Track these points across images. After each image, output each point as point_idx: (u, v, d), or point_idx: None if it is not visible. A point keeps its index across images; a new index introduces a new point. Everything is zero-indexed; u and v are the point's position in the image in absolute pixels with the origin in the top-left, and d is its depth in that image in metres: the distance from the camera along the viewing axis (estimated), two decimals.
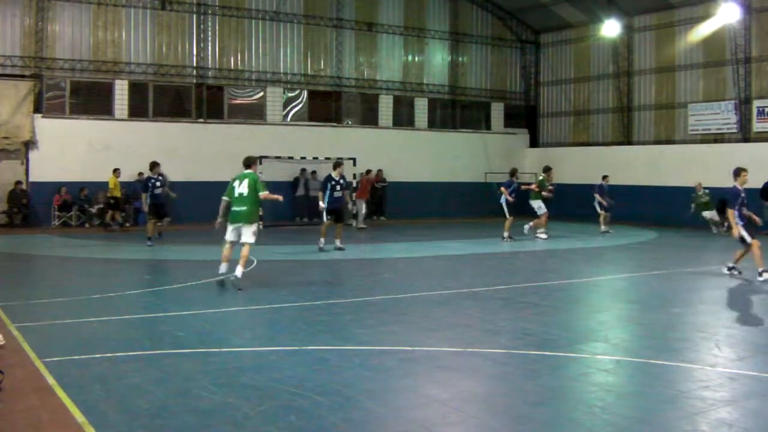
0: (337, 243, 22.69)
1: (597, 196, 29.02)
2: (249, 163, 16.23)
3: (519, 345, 10.68)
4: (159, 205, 23.77)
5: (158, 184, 23.58)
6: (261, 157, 31.29)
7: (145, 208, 24.02)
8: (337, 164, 22.98)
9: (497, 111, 41.84)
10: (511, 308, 13.81)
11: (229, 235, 15.72)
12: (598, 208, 29.01)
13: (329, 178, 22.58)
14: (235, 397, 8.04)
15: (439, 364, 9.68)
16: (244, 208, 15.59)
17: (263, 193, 15.71)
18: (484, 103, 41.42)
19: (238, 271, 15.46)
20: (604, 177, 28.99)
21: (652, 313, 13.61)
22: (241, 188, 15.68)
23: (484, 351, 10.29)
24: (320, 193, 22.69)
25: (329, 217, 22.52)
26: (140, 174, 30.62)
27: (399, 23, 38.42)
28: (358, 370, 9.26)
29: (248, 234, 15.54)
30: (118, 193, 29.90)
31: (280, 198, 16.76)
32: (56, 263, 20.65)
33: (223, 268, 15.64)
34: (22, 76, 30.71)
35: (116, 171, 29.93)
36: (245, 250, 15.48)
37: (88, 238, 23.55)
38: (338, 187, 22.54)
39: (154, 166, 24.01)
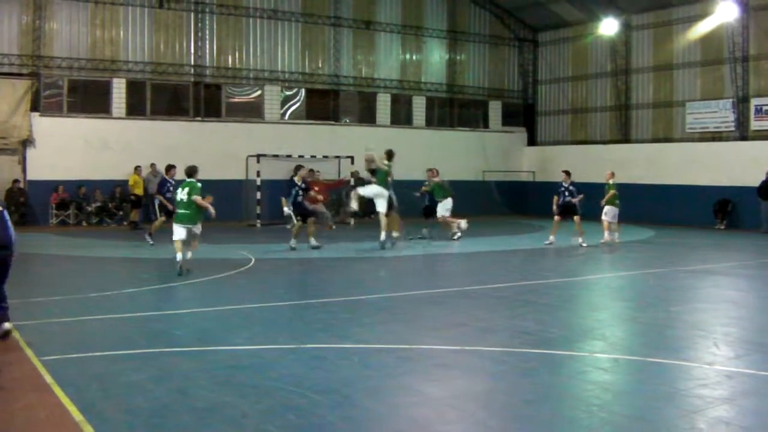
0: (312, 242, 22.76)
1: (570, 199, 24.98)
2: (190, 172, 18.09)
3: (516, 343, 10.70)
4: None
5: (172, 189, 23.07)
6: (259, 156, 31.38)
7: (169, 206, 22.33)
8: (298, 168, 23.53)
9: (495, 109, 41.83)
10: (509, 306, 13.82)
11: (177, 234, 17.63)
12: (557, 211, 25.02)
13: (293, 183, 22.87)
14: (233, 395, 8.05)
15: (437, 363, 9.69)
16: (185, 211, 17.65)
17: (195, 197, 17.55)
18: (481, 101, 41.40)
19: (188, 254, 17.76)
20: (568, 173, 25.71)
21: (650, 312, 13.63)
22: (182, 195, 17.76)
23: (482, 349, 10.31)
24: (283, 199, 23.00)
25: (298, 218, 22.72)
26: (152, 165, 30.70)
27: (397, 21, 38.40)
28: (355, 368, 9.28)
29: (197, 229, 17.97)
30: (139, 191, 29.92)
31: (209, 207, 17.81)
32: (54, 262, 20.64)
33: (178, 256, 17.41)
34: (20, 75, 30.68)
35: (138, 168, 29.95)
36: (195, 243, 18.18)
37: (85, 236, 23.65)
38: (301, 192, 22.78)
39: (170, 168, 23.63)
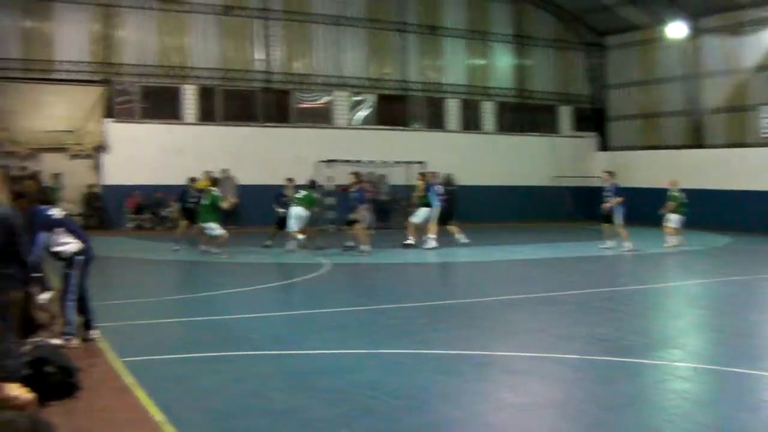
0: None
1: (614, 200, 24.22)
2: (213, 182, 23.17)
3: (593, 351, 10.52)
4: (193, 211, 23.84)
5: (193, 200, 23.60)
6: (329, 161, 31.50)
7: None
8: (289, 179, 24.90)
9: (565, 114, 41.41)
10: (585, 313, 13.66)
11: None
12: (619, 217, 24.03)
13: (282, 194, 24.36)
14: (309, 398, 8.06)
15: (513, 369, 9.61)
16: (204, 214, 21.98)
17: (224, 204, 22.22)
18: (551, 106, 41.02)
19: (213, 249, 21.94)
20: (611, 173, 25.26)
21: (729, 320, 13.35)
22: (203, 200, 22.12)
23: (558, 356, 10.17)
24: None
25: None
26: (223, 170, 31.30)
27: (462, 26, 38.22)
28: (431, 373, 9.22)
29: (211, 229, 21.87)
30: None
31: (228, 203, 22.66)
32: (131, 265, 20.94)
33: (202, 247, 22.48)
34: (92, 82, 31.22)
35: (207, 174, 30.33)
36: (216, 239, 21.97)
37: (163, 240, 24.00)
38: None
39: (194, 180, 24.70)
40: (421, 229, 24.54)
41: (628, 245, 23.81)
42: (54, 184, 28.08)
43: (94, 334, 10.58)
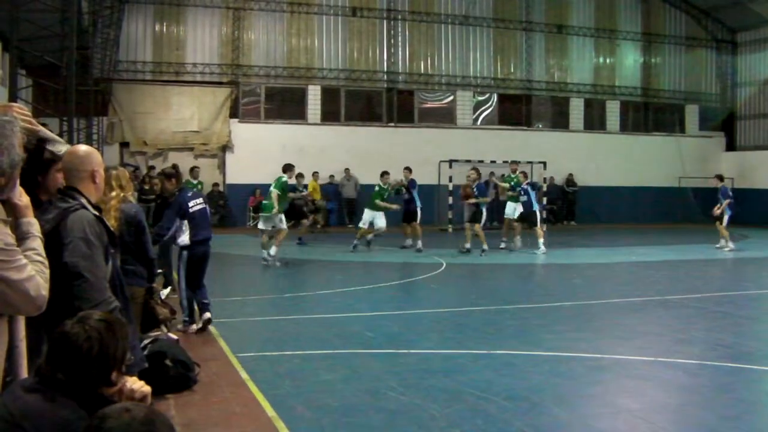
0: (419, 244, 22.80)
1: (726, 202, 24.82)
2: (285, 169, 20.18)
3: (713, 356, 10.21)
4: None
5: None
6: (452, 161, 31.49)
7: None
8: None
9: (692, 113, 40.38)
10: (705, 318, 13.29)
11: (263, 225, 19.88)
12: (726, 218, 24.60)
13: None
14: (422, 398, 8.06)
15: (629, 373, 9.43)
16: (266, 202, 19.74)
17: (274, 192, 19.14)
18: (677, 105, 40.07)
19: (273, 250, 19.47)
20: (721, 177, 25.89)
21: None
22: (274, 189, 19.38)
23: (676, 361, 9.91)
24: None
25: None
26: (346, 170, 32.58)
27: (589, 25, 37.69)
28: (545, 375, 9.13)
29: (272, 222, 19.34)
30: (318, 196, 30.54)
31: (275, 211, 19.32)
32: (251, 262, 21.27)
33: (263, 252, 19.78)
34: (220, 83, 32.01)
35: (315, 174, 30.72)
36: (279, 235, 19.55)
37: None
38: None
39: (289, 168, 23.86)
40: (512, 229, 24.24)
41: (730, 245, 24.21)
42: (191, 179, 28.69)
43: (192, 329, 10.86)
